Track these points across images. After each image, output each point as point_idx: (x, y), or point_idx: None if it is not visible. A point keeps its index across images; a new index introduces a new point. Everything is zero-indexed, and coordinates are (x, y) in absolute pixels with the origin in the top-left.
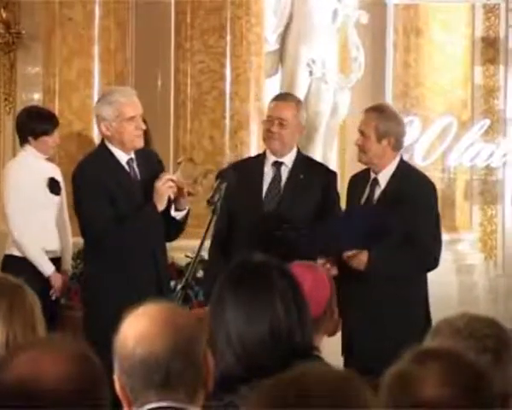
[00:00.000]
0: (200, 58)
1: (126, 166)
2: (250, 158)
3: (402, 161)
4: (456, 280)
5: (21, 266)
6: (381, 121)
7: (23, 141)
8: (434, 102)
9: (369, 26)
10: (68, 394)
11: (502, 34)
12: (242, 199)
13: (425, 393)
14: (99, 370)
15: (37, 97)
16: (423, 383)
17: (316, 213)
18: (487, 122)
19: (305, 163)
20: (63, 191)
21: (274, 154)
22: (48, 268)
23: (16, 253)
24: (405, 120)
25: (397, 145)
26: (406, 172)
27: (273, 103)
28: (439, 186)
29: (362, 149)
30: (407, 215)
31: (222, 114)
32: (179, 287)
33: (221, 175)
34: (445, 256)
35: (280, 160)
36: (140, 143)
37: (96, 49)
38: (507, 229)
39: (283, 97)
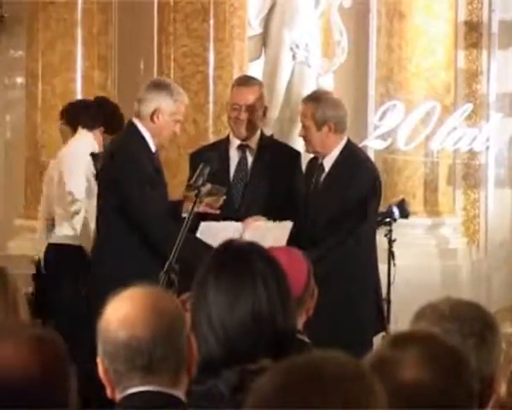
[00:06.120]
0: (184, 42)
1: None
2: (214, 143)
3: (348, 143)
4: (439, 264)
5: None
6: (317, 109)
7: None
8: (417, 86)
9: (353, 10)
10: (24, 379)
11: (485, 18)
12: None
13: (404, 377)
14: (60, 354)
15: (20, 81)
16: (402, 367)
17: (283, 194)
18: (470, 106)
19: (270, 144)
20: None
21: (241, 138)
22: None
23: None
24: (388, 104)
25: (339, 128)
26: (348, 156)
27: (236, 89)
28: (422, 170)
29: (306, 140)
30: (338, 200)
31: (205, 98)
32: (162, 271)
33: (204, 159)
34: (428, 240)
35: (245, 142)
36: (166, 146)
37: (78, 33)
38: (490, 213)
39: (246, 82)
